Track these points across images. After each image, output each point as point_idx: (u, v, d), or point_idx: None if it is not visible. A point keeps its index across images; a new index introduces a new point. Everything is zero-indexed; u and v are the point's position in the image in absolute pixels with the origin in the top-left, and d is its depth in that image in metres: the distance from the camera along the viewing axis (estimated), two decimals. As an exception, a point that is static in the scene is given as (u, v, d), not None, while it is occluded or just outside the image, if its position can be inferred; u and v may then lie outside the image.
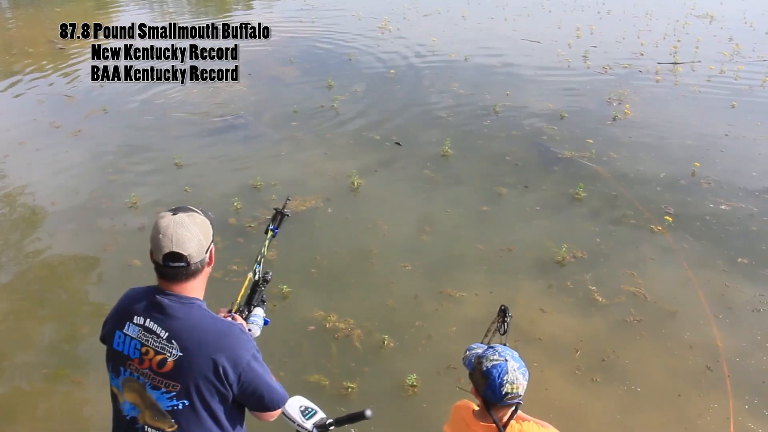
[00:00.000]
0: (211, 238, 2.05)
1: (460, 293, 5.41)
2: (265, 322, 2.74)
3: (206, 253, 2.02)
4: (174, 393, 1.96)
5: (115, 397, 2.11)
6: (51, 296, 5.58)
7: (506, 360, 2.19)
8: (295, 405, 2.48)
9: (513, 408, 2.25)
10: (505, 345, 2.38)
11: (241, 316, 2.61)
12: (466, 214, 6.68)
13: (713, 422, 4.21)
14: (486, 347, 2.29)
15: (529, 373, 2.26)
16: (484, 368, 2.20)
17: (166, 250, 1.92)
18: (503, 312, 2.80)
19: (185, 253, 1.93)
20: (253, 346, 2.05)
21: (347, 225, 6.49)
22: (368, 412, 2.37)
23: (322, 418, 2.46)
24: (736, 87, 10.19)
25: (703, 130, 8.62)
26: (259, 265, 2.83)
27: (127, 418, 2.06)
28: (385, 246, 6.10)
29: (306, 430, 2.44)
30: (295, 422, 2.47)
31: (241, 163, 7.82)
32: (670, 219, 6.41)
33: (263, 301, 2.78)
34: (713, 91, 10.07)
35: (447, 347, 4.83)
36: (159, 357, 1.95)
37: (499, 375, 2.16)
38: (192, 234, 1.95)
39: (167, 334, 1.95)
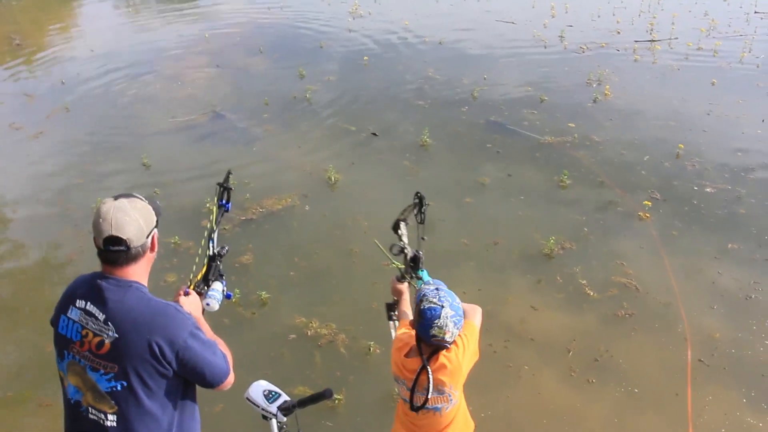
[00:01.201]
0: (153, 225, 2.09)
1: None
2: (227, 296, 2.74)
3: (147, 238, 2.06)
4: (112, 374, 2.00)
5: (62, 382, 2.15)
6: (13, 312, 5.25)
7: (443, 306, 2.30)
8: (258, 390, 2.53)
9: (440, 350, 2.38)
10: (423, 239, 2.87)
11: (198, 292, 2.62)
12: (448, 206, 6.45)
13: (713, 420, 4.06)
14: (434, 289, 2.38)
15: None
16: (422, 307, 2.34)
17: (106, 234, 1.97)
18: (420, 200, 2.93)
19: (124, 237, 1.98)
20: (190, 324, 2.08)
21: (326, 223, 6.23)
22: (329, 391, 2.46)
23: (286, 401, 2.50)
24: (715, 64, 10.06)
25: (685, 110, 8.47)
26: (212, 240, 2.84)
27: (72, 401, 2.11)
28: (366, 244, 5.84)
29: (271, 413, 2.49)
30: (259, 407, 2.51)
31: (212, 161, 7.48)
32: (651, 204, 6.26)
33: (221, 275, 2.78)
34: (692, 68, 9.93)
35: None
36: (97, 339, 1.99)
37: (431, 317, 2.30)
38: (131, 218, 2.00)
39: (104, 316, 1.99)
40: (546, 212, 6.31)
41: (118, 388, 2.01)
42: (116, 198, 2.05)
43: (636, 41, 11.12)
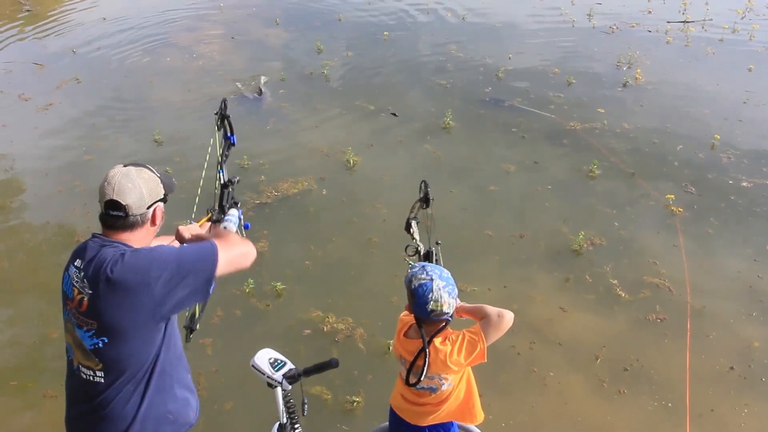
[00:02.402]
0: (158, 197, 2.10)
1: (471, 287, 4.94)
2: (246, 226, 2.81)
3: (148, 209, 2.07)
4: (93, 331, 2.01)
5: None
6: (17, 296, 5.07)
7: (432, 279, 2.30)
8: (264, 357, 2.56)
9: (442, 324, 2.36)
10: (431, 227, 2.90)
11: (215, 220, 2.71)
12: (471, 194, 6.17)
13: (755, 439, 3.83)
14: (420, 267, 2.39)
15: (457, 294, 2.37)
16: (413, 287, 2.33)
17: (107, 197, 2.00)
18: (425, 186, 2.94)
19: (124, 203, 2.00)
20: (145, 248, 2.08)
21: (343, 209, 5.97)
22: (335, 361, 2.49)
23: (291, 369, 2.54)
24: (751, 48, 9.60)
25: (720, 97, 8.07)
26: (222, 170, 2.92)
27: (69, 358, 2.15)
28: (385, 233, 5.61)
29: (276, 381, 2.52)
30: (264, 374, 2.54)
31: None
32: (685, 199, 5.96)
33: (236, 203, 2.84)
34: (727, 52, 9.48)
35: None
36: (79, 296, 2.02)
37: (424, 293, 2.28)
38: (135, 186, 2.02)
39: (83, 273, 2.02)
40: (574, 204, 6.02)
41: (100, 345, 2.02)
42: (126, 165, 2.08)
43: (668, 22, 10.63)
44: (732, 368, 4.31)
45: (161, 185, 2.13)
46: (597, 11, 11.04)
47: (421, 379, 2.36)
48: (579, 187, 6.27)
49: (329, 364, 2.49)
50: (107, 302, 1.97)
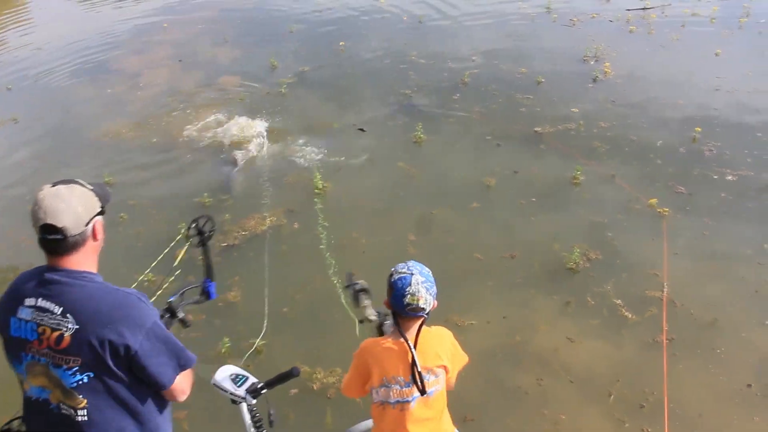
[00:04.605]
0: (94, 212, 2.02)
1: (469, 321, 4.58)
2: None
3: (87, 226, 1.99)
4: (76, 368, 1.94)
5: (21, 386, 2.10)
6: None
7: (412, 274, 2.30)
8: (224, 374, 2.54)
9: (419, 321, 2.35)
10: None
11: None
12: (454, 214, 5.80)
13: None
14: (404, 263, 2.37)
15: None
16: (392, 279, 2.33)
17: (41, 222, 1.92)
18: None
19: (59, 225, 1.92)
20: (154, 314, 2.04)
21: (319, 243, 5.52)
22: (297, 370, 2.50)
23: (253, 383, 2.51)
24: (715, 31, 9.46)
25: (692, 86, 7.87)
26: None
27: (40, 400, 2.03)
28: (367, 266, 5.17)
29: (239, 397, 2.50)
30: (227, 391, 2.51)
31: (183, 174, 6.70)
32: (676, 199, 5.70)
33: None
34: (692, 37, 9.32)
35: (464, 394, 3.96)
36: (55, 334, 1.93)
37: (402, 286, 2.28)
38: (67, 205, 1.93)
39: (61, 309, 1.93)
40: (562, 215, 5.70)
41: (85, 380, 1.95)
42: (54, 185, 1.98)
43: (627, 9, 10.44)
44: (750, 386, 4.03)
45: (96, 199, 2.04)
46: (555, 4, 10.79)
47: (425, 380, 2.31)
48: (564, 196, 5.96)
49: (291, 374, 2.50)
50: (108, 349, 1.93)
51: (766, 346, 4.29)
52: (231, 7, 12.38)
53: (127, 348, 1.94)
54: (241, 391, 2.50)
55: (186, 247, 2.72)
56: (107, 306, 1.96)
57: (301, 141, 7.19)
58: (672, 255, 5.08)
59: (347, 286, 2.81)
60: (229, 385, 2.52)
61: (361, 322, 2.75)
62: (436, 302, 2.37)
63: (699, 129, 6.70)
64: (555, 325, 4.50)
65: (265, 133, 7.36)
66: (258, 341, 4.35)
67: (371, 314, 2.74)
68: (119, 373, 1.98)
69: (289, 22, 10.99)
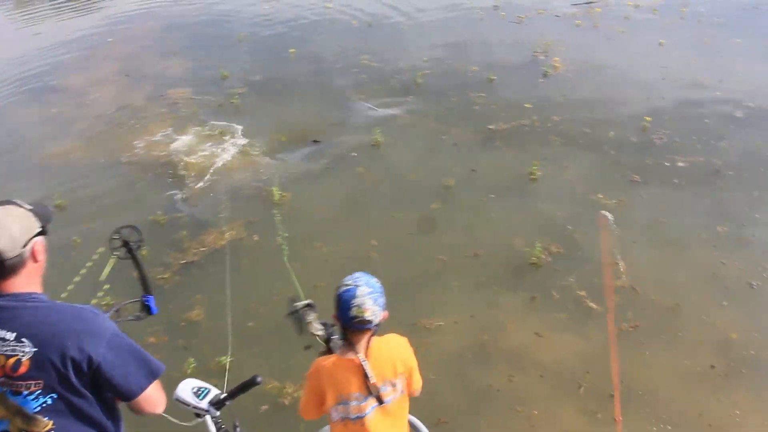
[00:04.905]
0: (33, 233, 1.95)
1: (437, 322, 4.56)
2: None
3: (25, 247, 1.92)
4: (39, 391, 1.89)
5: None
6: None
7: (357, 285, 2.26)
8: (186, 388, 2.50)
9: (369, 334, 2.31)
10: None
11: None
12: (415, 216, 5.78)
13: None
14: (351, 275, 2.33)
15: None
16: (338, 292, 2.28)
17: None
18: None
19: None
20: (111, 325, 2.01)
21: (281, 255, 5.43)
22: (258, 378, 2.48)
23: (216, 395, 2.49)
24: (658, 22, 9.72)
25: (639, 77, 8.07)
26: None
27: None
28: (330, 274, 5.02)
29: (203, 410, 2.46)
30: (190, 405, 2.47)
31: (135, 193, 6.52)
32: (631, 188, 5.81)
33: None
34: (636, 29, 9.56)
35: (436, 396, 3.95)
36: (11, 360, 1.87)
37: (348, 298, 2.24)
38: (2, 227, 1.88)
39: (15, 334, 1.88)
40: (522, 211, 5.75)
41: (49, 402, 1.90)
42: None
43: (573, 4, 10.64)
44: (713, 366, 4.12)
45: (35, 219, 1.97)
46: (502, 2, 10.92)
47: (381, 391, 2.30)
48: (523, 191, 6.01)
49: (253, 382, 2.48)
50: (69, 366, 1.88)
51: (726, 327, 4.39)
52: (176, 18, 12.16)
53: (90, 361, 1.90)
54: (204, 404, 2.47)
55: (113, 261, 2.59)
56: (63, 323, 1.91)
57: (257, 152, 7.09)
58: (630, 243, 5.16)
59: (289, 314, 2.71)
60: (191, 399, 2.48)
61: (306, 348, 2.66)
62: (386, 313, 2.32)
63: (649, 118, 6.86)
64: (523, 322, 4.52)
65: (220, 146, 7.23)
66: (225, 358, 4.25)
67: (317, 329, 2.67)
68: (83, 390, 1.94)
69: (237, 31, 10.86)
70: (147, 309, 2.62)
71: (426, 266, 5.16)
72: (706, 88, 7.61)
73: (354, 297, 2.23)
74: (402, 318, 4.61)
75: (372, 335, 2.32)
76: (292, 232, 5.65)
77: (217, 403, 2.47)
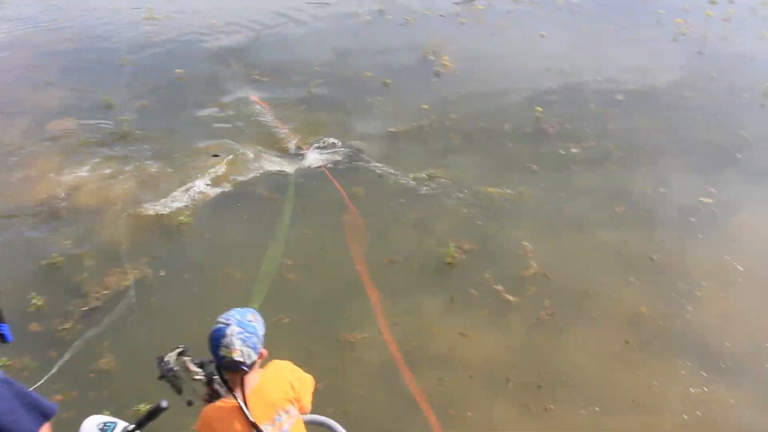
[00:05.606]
0: None
1: (361, 335, 4.49)
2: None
3: None
4: None
5: None
6: None
7: (228, 324, 2.18)
8: (92, 426, 2.39)
9: (243, 374, 2.22)
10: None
11: None
12: (326, 231, 5.70)
13: (684, 409, 3.81)
14: (228, 313, 2.25)
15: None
16: (210, 330, 2.20)
17: None
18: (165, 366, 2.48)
19: None
20: None
21: (191, 287, 5.18)
22: (164, 403, 2.33)
23: (124, 427, 2.40)
24: (538, 16, 10.14)
25: (525, 68, 8.38)
26: None
27: None
28: (247, 300, 4.94)
29: None
30: None
31: (25, 237, 6.01)
32: (531, 179, 6.01)
33: None
34: (518, 23, 9.94)
35: (367, 411, 3.90)
36: None
37: (217, 337, 2.17)
38: None
39: None
40: (431, 211, 5.80)
41: None
42: None
43: (455, 3, 10.90)
44: (627, 342, 4.31)
45: None
46: (386, 5, 11.01)
47: (277, 421, 2.26)
48: (430, 192, 6.06)
49: (159, 408, 2.34)
50: None
51: (634, 302, 4.61)
52: (49, 46, 11.37)
53: None
54: None
55: None
56: None
57: (154, 180, 6.73)
58: (538, 233, 5.33)
59: (161, 376, 2.51)
60: None
61: (189, 404, 2.47)
62: (264, 351, 2.25)
63: (540, 108, 7.13)
64: (446, 323, 4.55)
65: (113, 178, 6.82)
66: (145, 406, 3.99)
67: (196, 374, 2.51)
68: None
69: (118, 55, 10.28)
70: (2, 337, 2.43)
71: (344, 279, 5.09)
72: (587, 74, 8.01)
73: (223, 336, 2.15)
74: (324, 334, 4.53)
75: (247, 374, 2.23)
76: (199, 261, 5.42)
77: None
